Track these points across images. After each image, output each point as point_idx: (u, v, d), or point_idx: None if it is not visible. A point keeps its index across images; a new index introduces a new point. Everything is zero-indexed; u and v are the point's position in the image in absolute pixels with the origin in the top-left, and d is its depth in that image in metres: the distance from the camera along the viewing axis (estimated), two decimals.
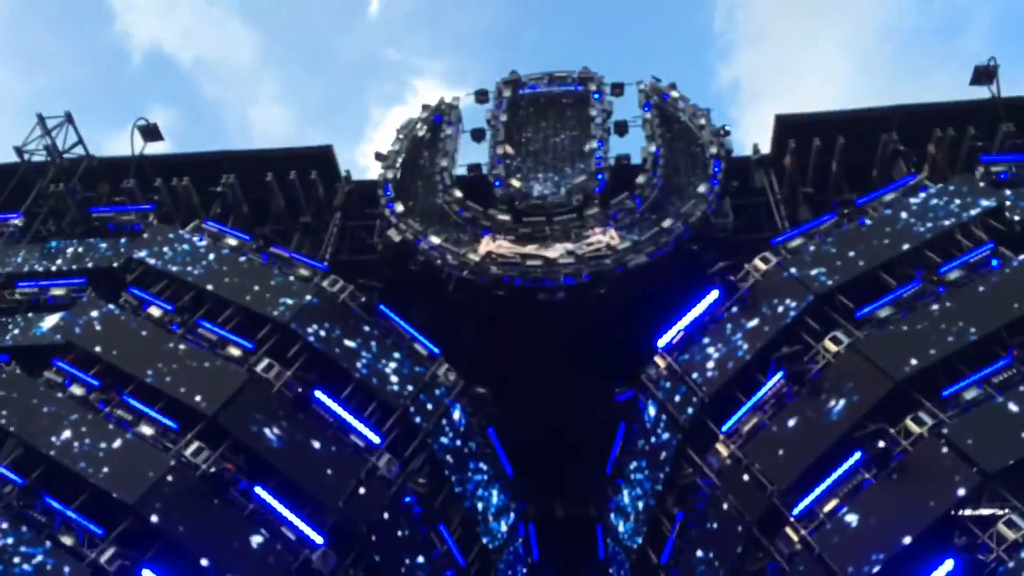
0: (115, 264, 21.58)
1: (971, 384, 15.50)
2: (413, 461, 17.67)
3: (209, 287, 18.80)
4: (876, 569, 14.03)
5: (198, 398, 16.67)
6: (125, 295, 19.12)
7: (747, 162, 25.76)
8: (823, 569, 14.59)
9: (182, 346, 17.67)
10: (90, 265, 22.13)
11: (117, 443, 16.17)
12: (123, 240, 22.52)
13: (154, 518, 15.10)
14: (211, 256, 19.46)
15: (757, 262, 18.39)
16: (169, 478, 15.49)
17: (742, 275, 18.32)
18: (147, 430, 16.39)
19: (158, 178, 26.36)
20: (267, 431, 16.54)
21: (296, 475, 16.29)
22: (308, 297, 18.31)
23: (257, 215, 26.85)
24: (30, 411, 16.88)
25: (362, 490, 16.66)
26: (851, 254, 17.90)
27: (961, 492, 14.28)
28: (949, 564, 13.59)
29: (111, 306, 18.82)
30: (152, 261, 19.63)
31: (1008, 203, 19.14)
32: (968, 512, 14.55)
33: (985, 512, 14.59)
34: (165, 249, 19.78)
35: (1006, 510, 14.31)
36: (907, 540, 14.07)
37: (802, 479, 15.53)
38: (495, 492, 19.66)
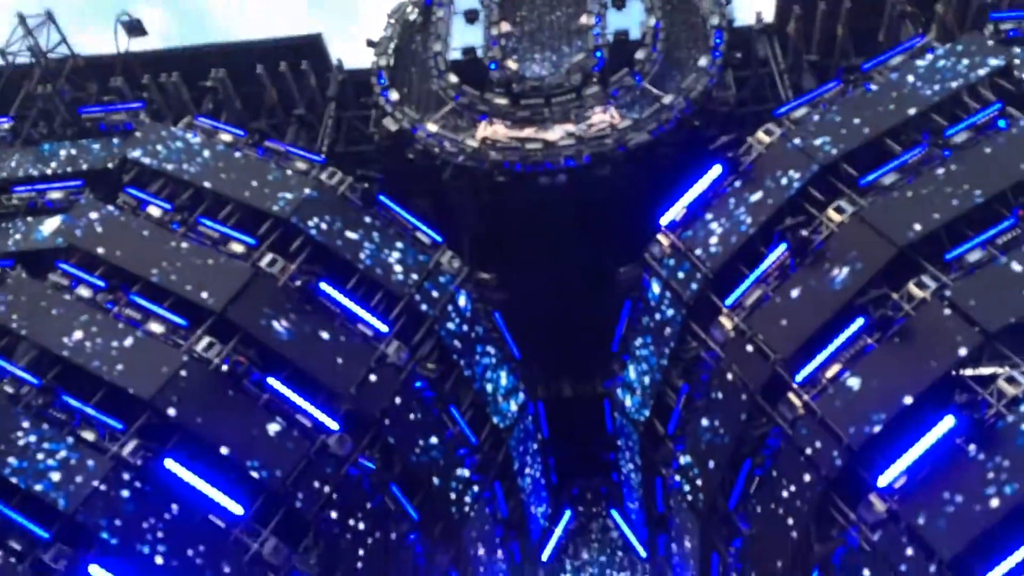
0: (110, 165, 21.38)
1: (975, 246, 15.50)
2: (421, 347, 17.93)
3: (207, 184, 18.70)
4: (877, 428, 14.37)
5: (205, 295, 16.81)
6: (122, 196, 19.02)
7: (750, 32, 25.02)
8: (825, 431, 14.96)
9: (184, 244, 17.70)
10: (85, 167, 21.95)
11: (128, 341, 16.40)
12: (115, 140, 22.25)
13: (171, 412, 15.45)
14: (206, 153, 19.26)
15: (760, 134, 18.15)
16: (183, 373, 15.77)
17: (745, 149, 18.11)
18: (157, 328, 16.59)
19: (146, 75, 25.83)
20: (276, 324, 16.74)
21: (307, 365, 16.58)
22: (307, 191, 18.22)
23: (250, 109, 26.40)
24: (40, 314, 17.06)
25: (373, 377, 16.99)
26: (856, 121, 17.61)
27: (963, 352, 14.48)
28: (949, 420, 13.86)
29: (110, 207, 18.74)
30: (147, 160, 19.45)
31: (1017, 61, 18.63)
32: (969, 372, 14.78)
33: (986, 371, 14.82)
34: (159, 147, 19.56)
35: (1006, 368, 14.52)
36: (908, 400, 14.34)
37: (805, 347, 15.74)
38: (503, 374, 20.02)
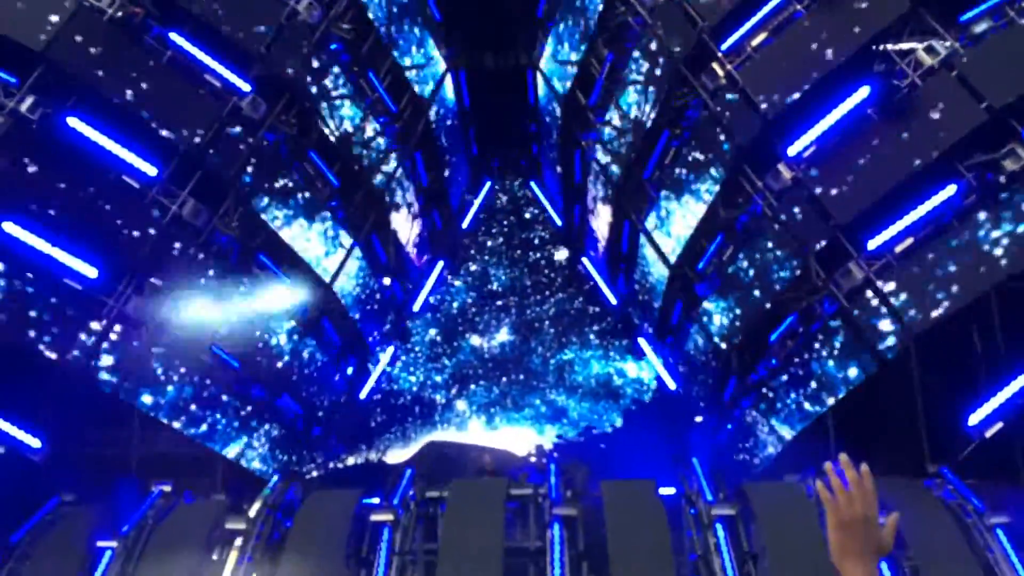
0: None
1: None
2: (336, 5, 16.87)
3: None
4: (795, 96, 14.56)
5: None
6: None
7: None
8: (744, 101, 15.10)
9: None
10: None
11: None
12: None
13: (66, 65, 14.48)
14: None
15: None
16: (74, 23, 14.56)
17: None
18: None
19: None
20: None
21: (212, 19, 15.50)
22: None
23: None
24: None
25: (285, 36, 16.08)
26: None
27: (887, 22, 14.37)
28: (864, 91, 14.10)
29: None
30: None
31: None
32: (890, 46, 14.79)
33: (905, 46, 14.84)
34: None
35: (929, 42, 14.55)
36: (829, 59, 14.38)
37: (730, 16, 15.38)
38: (425, 40, 19.22)
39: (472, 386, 21.89)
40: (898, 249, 14.37)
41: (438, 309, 22.57)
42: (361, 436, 20.87)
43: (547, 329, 22.18)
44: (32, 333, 14.21)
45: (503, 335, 22.38)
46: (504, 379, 21.87)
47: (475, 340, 22.36)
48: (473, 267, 22.91)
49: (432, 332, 22.33)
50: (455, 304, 22.68)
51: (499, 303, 22.56)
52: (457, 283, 22.85)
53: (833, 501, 2.16)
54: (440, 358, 22.13)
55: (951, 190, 13.90)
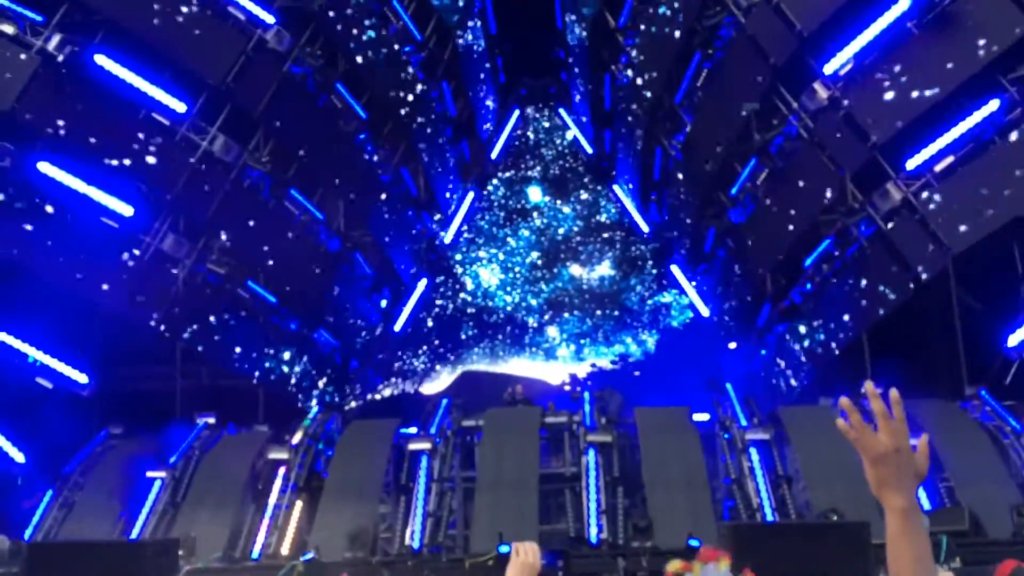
0: None
1: None
2: None
3: None
4: (832, 10, 14.07)
5: None
6: None
7: None
8: (778, 17, 14.64)
9: None
10: None
11: None
12: None
13: (91, 1, 14.39)
14: None
15: None
16: None
17: None
18: None
19: None
20: None
21: None
22: None
23: None
24: None
25: None
26: None
27: None
28: (905, 2, 13.57)
29: None
30: None
31: None
32: None
33: None
34: None
35: None
36: None
37: None
38: None
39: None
40: (938, 168, 14.02)
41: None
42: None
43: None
44: (73, 273, 14.47)
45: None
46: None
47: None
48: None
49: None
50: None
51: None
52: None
53: (860, 440, 1.99)
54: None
55: (993, 105, 13.45)
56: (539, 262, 22.08)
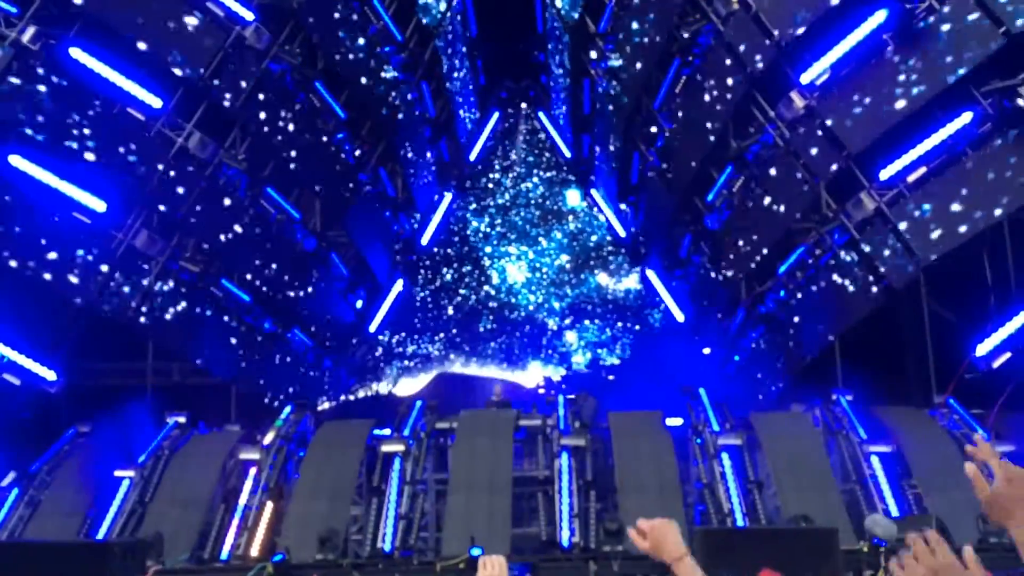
0: None
1: None
2: None
3: None
4: (809, 21, 14.21)
5: None
6: None
7: None
8: (756, 26, 14.76)
9: None
10: None
11: None
12: None
13: None
14: None
15: None
16: None
17: None
18: None
19: None
20: None
21: None
22: None
23: None
24: None
25: None
26: None
27: None
28: (881, 15, 13.73)
29: None
30: None
31: None
32: None
33: None
34: None
35: None
36: None
37: None
38: None
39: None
40: (910, 179, 14.19)
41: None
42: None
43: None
44: (44, 269, 14.28)
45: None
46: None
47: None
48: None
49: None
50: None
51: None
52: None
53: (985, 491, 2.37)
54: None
55: (967, 118, 13.64)
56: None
